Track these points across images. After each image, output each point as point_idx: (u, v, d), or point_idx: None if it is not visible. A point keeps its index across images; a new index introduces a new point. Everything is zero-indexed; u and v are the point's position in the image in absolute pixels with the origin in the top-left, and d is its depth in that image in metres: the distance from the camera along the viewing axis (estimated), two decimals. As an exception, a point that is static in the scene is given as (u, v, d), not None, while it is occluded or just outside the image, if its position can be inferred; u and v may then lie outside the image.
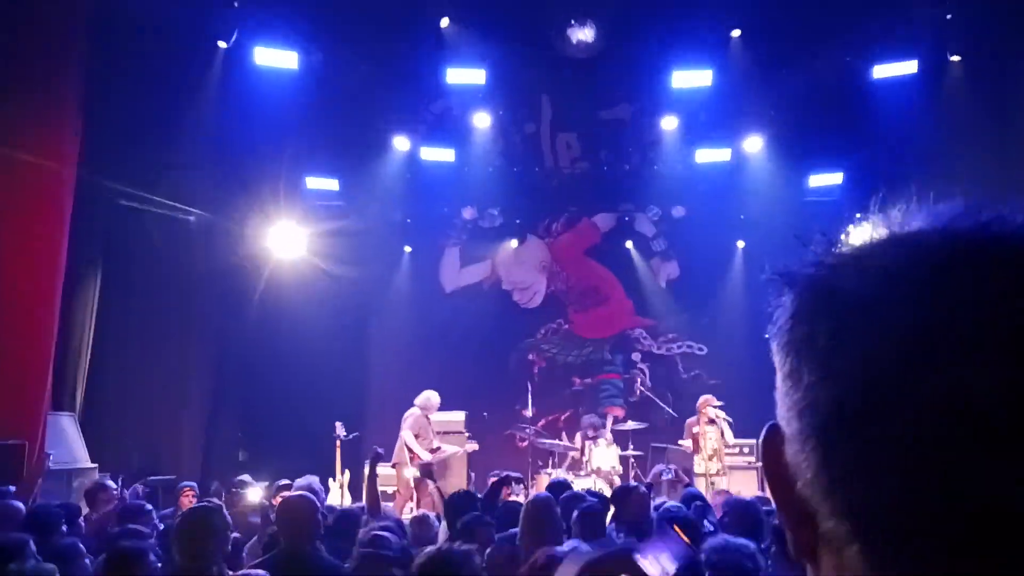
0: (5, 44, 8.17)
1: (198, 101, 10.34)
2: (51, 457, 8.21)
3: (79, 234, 9.04)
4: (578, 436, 10.29)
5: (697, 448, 9.47)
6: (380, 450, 7.40)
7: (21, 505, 5.83)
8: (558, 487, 6.57)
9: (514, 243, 13.01)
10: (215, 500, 7.52)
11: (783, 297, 0.57)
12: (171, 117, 10.08)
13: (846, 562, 0.50)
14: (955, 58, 9.98)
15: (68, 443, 8.82)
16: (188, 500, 7.12)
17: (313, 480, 7.14)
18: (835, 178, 11.84)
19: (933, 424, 0.46)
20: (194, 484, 7.78)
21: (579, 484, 9.11)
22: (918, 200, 0.59)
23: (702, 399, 9.65)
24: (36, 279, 8.49)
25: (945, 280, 0.49)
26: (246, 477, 7.24)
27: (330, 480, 9.28)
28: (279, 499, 6.30)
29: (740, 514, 4.60)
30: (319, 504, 5.10)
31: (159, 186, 10.31)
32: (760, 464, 0.57)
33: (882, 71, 10.47)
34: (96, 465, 8.75)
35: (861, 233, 0.57)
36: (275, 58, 10.75)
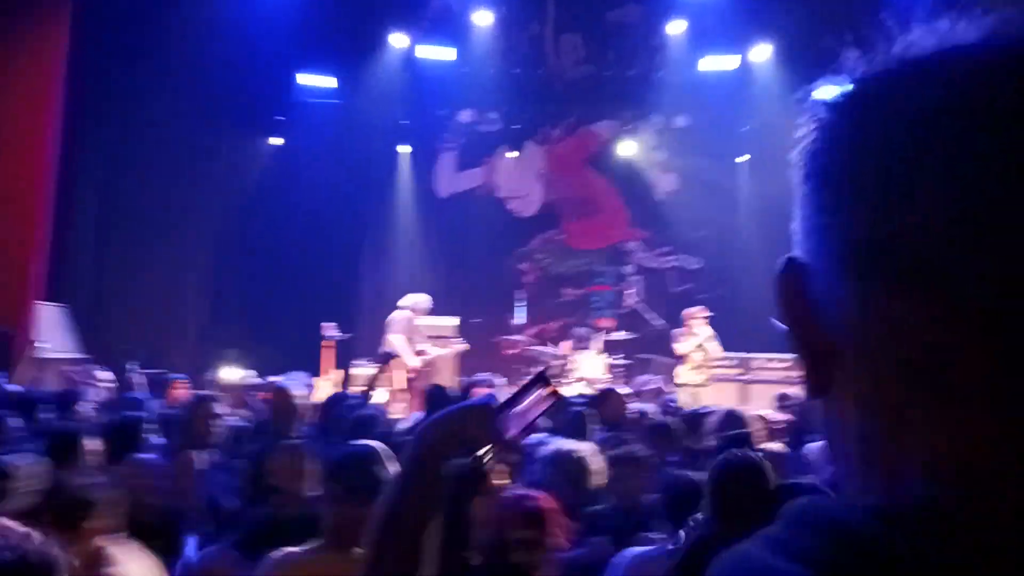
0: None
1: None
2: (38, 345, 8.30)
3: (75, 133, 8.94)
4: (567, 343, 10.36)
5: (684, 359, 9.51)
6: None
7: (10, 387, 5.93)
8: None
9: (513, 154, 12.78)
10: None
11: (818, 115, 0.53)
12: (163, 11, 9.82)
13: (881, 392, 0.47)
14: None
15: (59, 333, 8.90)
16: (180, 392, 7.21)
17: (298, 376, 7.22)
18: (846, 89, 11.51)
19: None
20: (184, 375, 7.86)
21: (567, 391, 9.26)
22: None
23: (689, 310, 9.64)
24: (26, 171, 8.41)
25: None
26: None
27: (315, 379, 9.38)
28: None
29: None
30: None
31: (153, 80, 10.13)
32: (779, 307, 0.53)
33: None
34: (88, 356, 8.86)
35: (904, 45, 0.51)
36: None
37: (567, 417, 5.14)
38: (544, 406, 1.01)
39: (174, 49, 10.24)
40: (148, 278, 10.95)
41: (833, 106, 0.53)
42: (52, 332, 8.74)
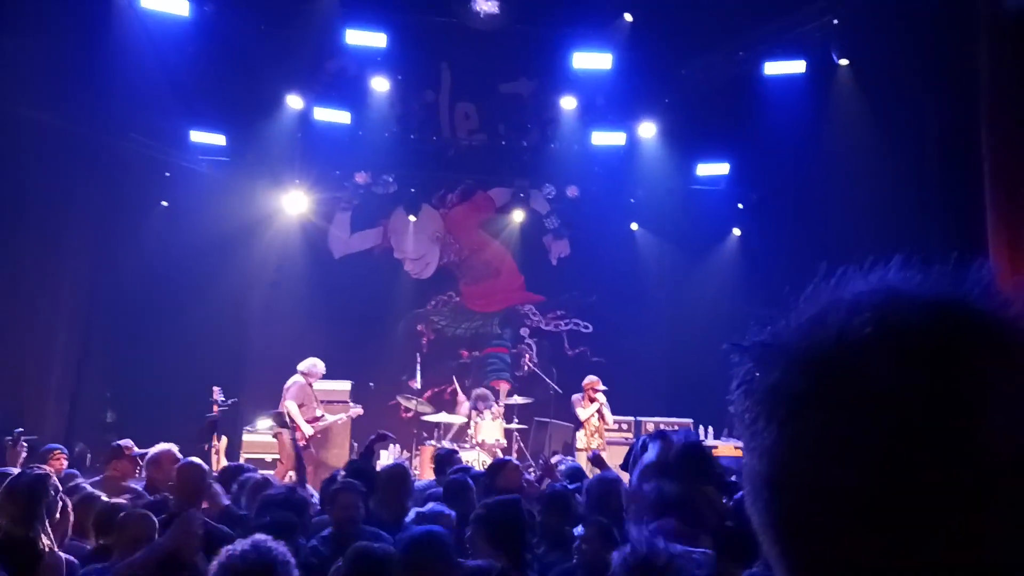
0: None
1: (82, 47, 9.69)
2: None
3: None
4: (465, 405, 10.37)
5: (581, 425, 9.72)
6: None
7: None
8: (446, 458, 6.70)
9: (411, 217, 12.86)
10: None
11: (743, 364, 0.65)
12: (53, 61, 9.45)
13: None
14: (843, 61, 10.51)
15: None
16: (58, 464, 6.72)
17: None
18: (722, 168, 12.31)
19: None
20: (62, 447, 7.35)
21: (464, 456, 9.23)
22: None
23: (588, 380, 9.87)
24: None
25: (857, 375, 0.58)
26: (127, 442, 6.87)
27: (205, 446, 8.98)
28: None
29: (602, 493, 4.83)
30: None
31: (37, 130, 9.65)
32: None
33: (773, 68, 10.91)
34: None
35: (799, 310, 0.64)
36: (165, 4, 10.15)
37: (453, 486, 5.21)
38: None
39: (60, 100, 9.82)
40: (12, 340, 10.21)
41: (748, 365, 0.65)
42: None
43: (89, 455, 8.66)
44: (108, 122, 10.29)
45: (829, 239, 9.68)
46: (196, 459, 5.01)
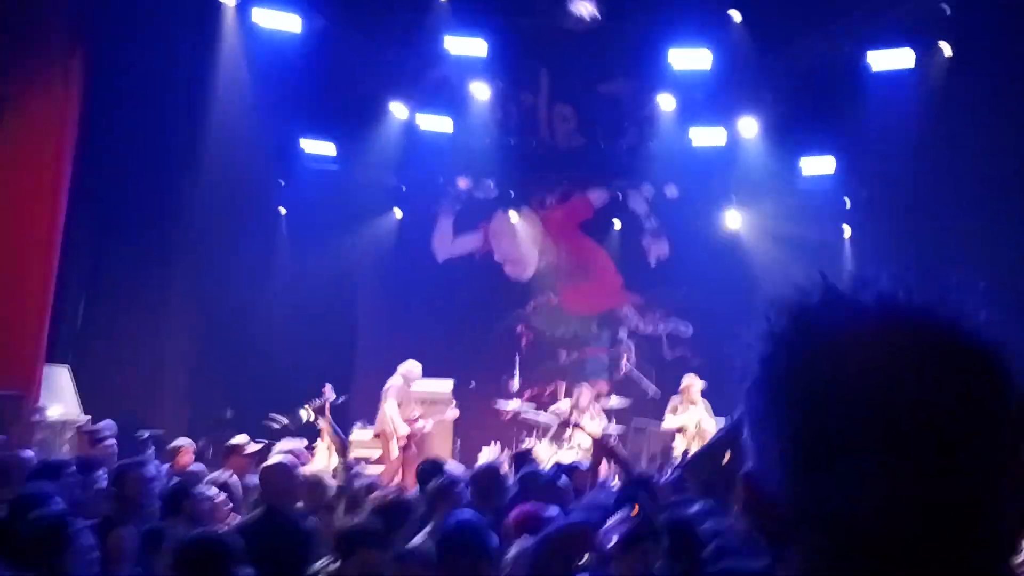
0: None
1: (199, 62, 10.34)
2: (43, 411, 8.33)
3: (78, 189, 9.11)
4: (561, 410, 10.45)
5: (680, 428, 9.63)
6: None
7: (31, 454, 5.97)
8: (520, 457, 6.88)
9: (513, 214, 13.06)
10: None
11: (759, 362, 0.72)
12: (172, 77, 10.10)
13: (815, 563, 0.66)
14: (948, 50, 10.03)
15: (62, 395, 8.95)
16: (186, 458, 7.18)
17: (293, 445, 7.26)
18: (827, 163, 11.93)
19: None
20: (189, 441, 7.81)
21: (562, 457, 9.34)
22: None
23: (686, 380, 9.77)
24: (35, 232, 8.57)
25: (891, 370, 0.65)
26: (242, 438, 7.33)
27: (317, 442, 9.43)
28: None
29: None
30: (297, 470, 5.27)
31: (158, 144, 10.37)
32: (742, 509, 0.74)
33: (878, 60, 10.52)
34: (89, 417, 8.88)
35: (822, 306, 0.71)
36: (277, 20, 10.68)
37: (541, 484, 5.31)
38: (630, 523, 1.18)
39: (179, 114, 10.49)
40: (138, 341, 10.95)
41: (784, 330, 0.71)
42: (56, 393, 8.79)
43: (211, 450, 9.24)
44: (224, 132, 10.90)
45: (941, 236, 9.29)
46: (281, 459, 5.22)
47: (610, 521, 2.70)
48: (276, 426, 9.63)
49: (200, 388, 11.42)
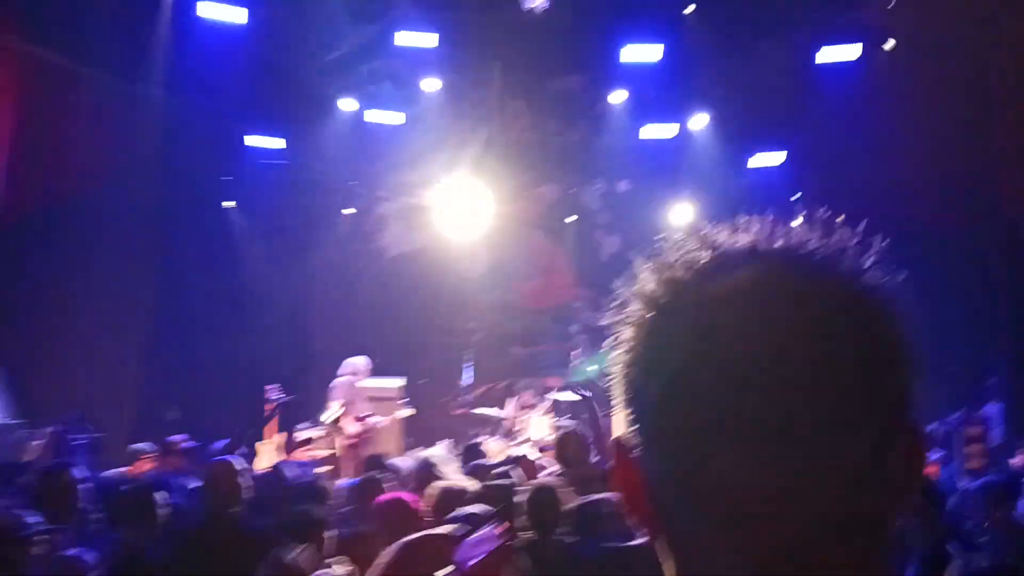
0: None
1: (142, 55, 10.10)
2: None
3: (17, 186, 8.83)
4: (512, 403, 10.40)
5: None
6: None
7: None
8: (471, 450, 6.83)
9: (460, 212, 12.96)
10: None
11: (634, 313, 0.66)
12: (113, 70, 9.86)
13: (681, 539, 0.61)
14: (891, 43, 10.17)
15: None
16: (146, 465, 6.87)
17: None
18: (778, 158, 12.05)
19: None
20: (151, 446, 7.39)
21: (512, 452, 9.27)
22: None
23: None
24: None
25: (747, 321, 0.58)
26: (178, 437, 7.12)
27: (258, 444, 9.26)
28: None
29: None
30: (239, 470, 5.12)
31: (100, 139, 10.09)
32: (612, 481, 0.68)
33: (826, 55, 10.63)
34: (19, 421, 8.59)
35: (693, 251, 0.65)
36: (222, 13, 10.44)
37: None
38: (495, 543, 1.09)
39: (121, 109, 10.23)
40: (80, 339, 10.68)
41: (646, 306, 0.65)
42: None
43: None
44: (167, 126, 10.64)
45: (889, 227, 9.38)
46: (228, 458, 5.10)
47: (474, 536, 2.54)
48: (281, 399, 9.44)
49: (146, 389, 11.12)
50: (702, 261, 0.63)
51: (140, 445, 7.27)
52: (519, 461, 5.71)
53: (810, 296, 0.59)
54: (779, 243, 0.64)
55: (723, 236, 0.65)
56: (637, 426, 0.62)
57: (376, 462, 5.84)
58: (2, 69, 8.69)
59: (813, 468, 0.55)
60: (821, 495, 0.56)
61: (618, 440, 0.65)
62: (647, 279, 0.66)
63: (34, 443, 7.20)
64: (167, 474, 6.28)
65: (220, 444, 6.87)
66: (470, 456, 6.37)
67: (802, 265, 0.61)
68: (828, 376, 0.56)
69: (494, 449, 9.15)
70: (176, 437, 7.13)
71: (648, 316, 0.64)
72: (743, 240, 0.64)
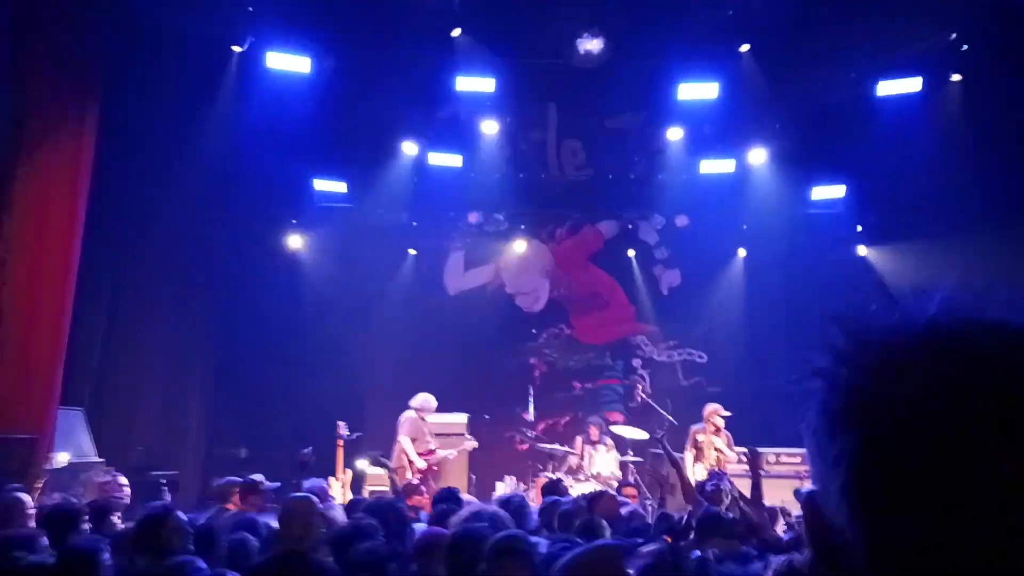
0: (27, 50, 8.34)
1: (212, 105, 10.50)
2: (54, 455, 8.31)
3: (93, 232, 9.21)
4: (579, 440, 10.40)
5: (700, 457, 9.54)
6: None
7: (28, 498, 5.92)
8: (551, 487, 6.86)
9: (521, 244, 13.13)
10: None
11: (816, 385, 0.67)
12: (185, 120, 10.26)
13: None
14: (956, 77, 10.12)
15: (76, 438, 8.96)
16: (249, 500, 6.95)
17: (319, 482, 7.20)
18: (838, 191, 11.98)
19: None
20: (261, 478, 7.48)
21: (579, 489, 9.27)
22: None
23: (710, 408, 9.70)
24: (50, 275, 8.64)
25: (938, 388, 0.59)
26: (258, 477, 7.25)
27: (330, 479, 9.40)
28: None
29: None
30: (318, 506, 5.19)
31: (171, 186, 10.51)
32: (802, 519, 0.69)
33: (886, 88, 10.58)
34: (103, 459, 8.89)
35: (879, 320, 0.66)
36: (288, 63, 10.84)
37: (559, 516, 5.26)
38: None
39: (192, 156, 10.62)
40: (153, 381, 11.00)
41: (840, 362, 0.65)
42: (70, 437, 8.80)
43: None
44: (237, 173, 11.04)
45: (953, 258, 9.27)
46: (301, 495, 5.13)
47: (641, 550, 2.66)
48: (350, 436, 9.59)
49: (215, 428, 11.43)
50: (892, 321, 0.65)
51: (231, 479, 7.22)
52: (598, 500, 5.72)
53: (1003, 368, 0.59)
54: (968, 312, 0.64)
55: (911, 301, 0.66)
56: (827, 480, 0.64)
57: (451, 493, 5.90)
58: (83, 120, 9.12)
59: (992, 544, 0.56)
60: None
61: (811, 496, 0.68)
62: (838, 338, 0.66)
63: (105, 480, 7.37)
64: (252, 514, 6.37)
65: (308, 482, 6.93)
66: (549, 492, 6.39)
67: (990, 336, 0.61)
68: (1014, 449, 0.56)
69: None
70: (256, 477, 7.25)
71: (841, 374, 0.64)
72: (931, 306, 0.65)
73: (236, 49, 10.61)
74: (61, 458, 8.37)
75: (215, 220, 11.38)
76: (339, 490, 9.56)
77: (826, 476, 0.64)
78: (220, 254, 11.64)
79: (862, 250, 12.13)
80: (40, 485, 7.47)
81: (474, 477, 10.60)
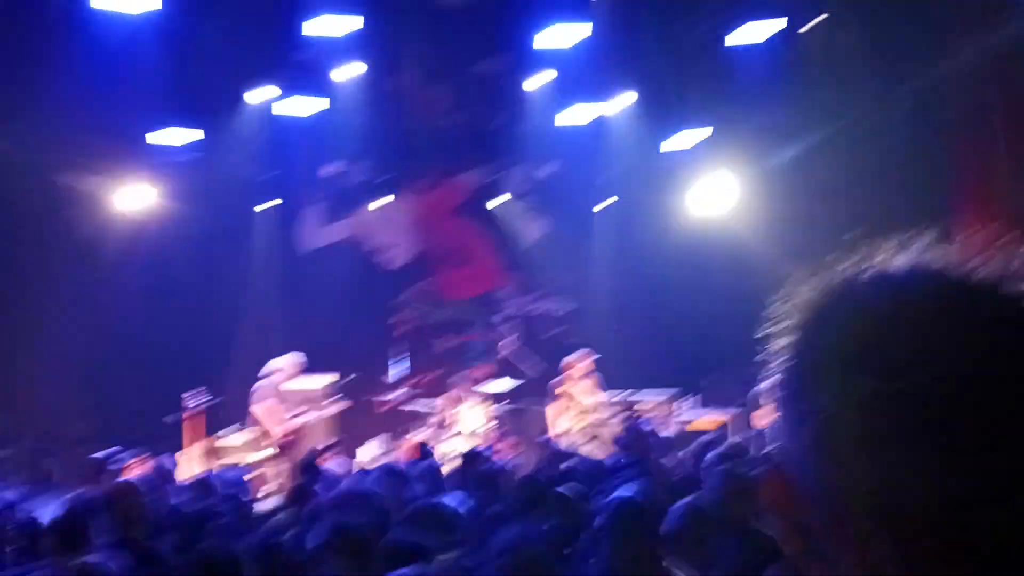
0: None
1: (40, 48, 9.54)
2: None
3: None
4: (445, 398, 10.32)
5: (564, 408, 9.69)
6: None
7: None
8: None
9: (380, 203, 12.75)
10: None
11: (785, 326, 0.68)
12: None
13: (872, 552, 0.59)
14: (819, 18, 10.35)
15: None
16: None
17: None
18: (696, 136, 12.10)
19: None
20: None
21: (444, 447, 9.24)
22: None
23: (573, 357, 9.88)
24: None
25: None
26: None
27: (177, 454, 8.97)
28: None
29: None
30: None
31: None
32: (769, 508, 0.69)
33: (736, 37, 10.72)
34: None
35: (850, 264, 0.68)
36: (123, 3, 9.88)
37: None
38: None
39: (29, 107, 9.69)
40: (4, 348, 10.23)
41: (810, 311, 0.67)
42: None
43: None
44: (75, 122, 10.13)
45: (814, 206, 9.67)
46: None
47: None
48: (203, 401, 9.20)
49: (53, 397, 10.66)
50: (865, 276, 0.66)
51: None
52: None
53: (976, 317, 0.62)
54: (940, 263, 0.66)
55: (883, 253, 0.68)
56: (798, 433, 0.64)
57: (311, 467, 5.71)
58: None
59: (977, 480, 0.57)
60: (980, 506, 0.57)
61: (777, 466, 0.66)
62: (806, 290, 0.68)
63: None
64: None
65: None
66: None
67: (967, 285, 0.64)
68: (999, 392, 0.58)
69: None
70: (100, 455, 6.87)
71: (809, 324, 0.66)
72: (904, 259, 0.67)
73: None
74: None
75: (54, 170, 10.43)
76: (193, 462, 9.13)
77: (796, 429, 0.64)
78: (58, 207, 10.72)
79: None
80: None
81: (343, 437, 10.36)
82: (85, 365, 10.82)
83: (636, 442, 6.39)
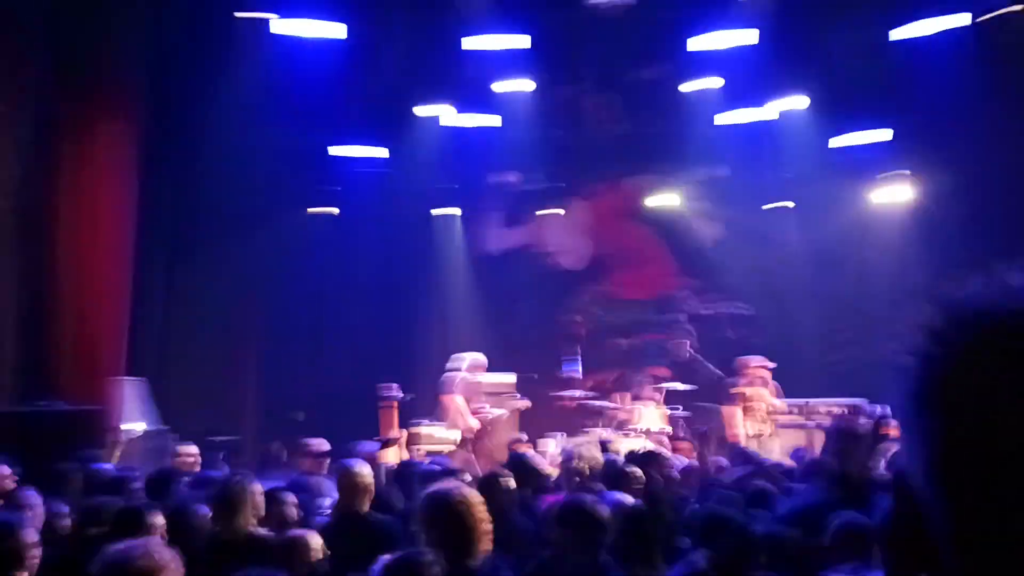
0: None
1: (234, 79, 10.40)
2: (127, 424, 8.65)
3: (147, 212, 9.49)
4: (626, 396, 10.50)
5: (749, 412, 9.60)
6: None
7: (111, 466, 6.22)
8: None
9: (559, 210, 13.14)
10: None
11: (910, 363, 0.64)
12: (210, 96, 10.27)
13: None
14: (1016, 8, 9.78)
15: (141, 407, 9.28)
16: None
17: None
18: (878, 135, 11.71)
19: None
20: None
21: (627, 445, 9.39)
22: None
23: (750, 360, 9.74)
24: (109, 256, 8.93)
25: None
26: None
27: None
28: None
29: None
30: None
31: (210, 160, 10.67)
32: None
33: (924, 28, 10.27)
34: (168, 427, 9.19)
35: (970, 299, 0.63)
36: (305, 29, 10.51)
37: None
38: None
39: (229, 130, 10.66)
40: (205, 350, 11.28)
41: (938, 339, 0.62)
42: (134, 407, 9.11)
43: (285, 452, 9.48)
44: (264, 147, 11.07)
45: (1011, 209, 9.19)
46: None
47: None
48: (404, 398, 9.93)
49: (271, 393, 11.74)
50: (997, 306, 0.61)
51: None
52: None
53: None
54: None
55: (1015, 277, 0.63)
56: (920, 456, 0.61)
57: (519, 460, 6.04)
58: (129, 106, 9.32)
59: None
60: None
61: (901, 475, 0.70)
62: (937, 316, 0.63)
63: (181, 449, 7.72)
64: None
65: (364, 446, 7.20)
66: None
67: None
68: None
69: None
70: (312, 440, 7.54)
71: (938, 354, 0.62)
72: None
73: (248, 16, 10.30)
74: (135, 427, 8.71)
75: (257, 193, 11.48)
76: (393, 452, 9.78)
77: (912, 452, 0.62)
78: (263, 227, 11.77)
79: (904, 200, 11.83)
80: (118, 453, 7.79)
81: (524, 436, 10.76)
82: (294, 363, 11.85)
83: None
